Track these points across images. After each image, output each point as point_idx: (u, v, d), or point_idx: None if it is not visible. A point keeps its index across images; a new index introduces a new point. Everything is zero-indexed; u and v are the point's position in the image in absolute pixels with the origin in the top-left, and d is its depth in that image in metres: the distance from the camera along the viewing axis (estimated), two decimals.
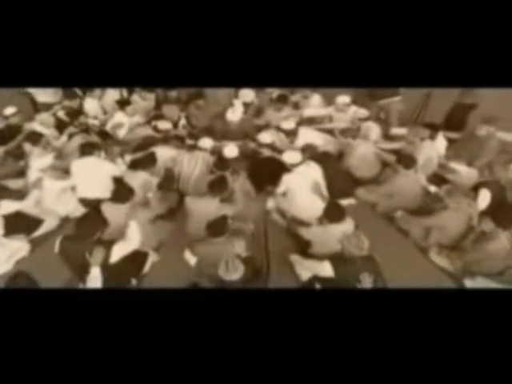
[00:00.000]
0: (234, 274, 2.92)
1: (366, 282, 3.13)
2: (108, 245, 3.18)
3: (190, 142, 4.97)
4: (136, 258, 3.58)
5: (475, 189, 4.11)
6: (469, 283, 3.58)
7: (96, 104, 5.79)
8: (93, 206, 3.80)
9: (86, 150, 4.24)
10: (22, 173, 4.51)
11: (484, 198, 4.00)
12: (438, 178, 4.58)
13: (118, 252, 3.23)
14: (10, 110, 5.18)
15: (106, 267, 3.10)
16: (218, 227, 3.31)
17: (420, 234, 4.05)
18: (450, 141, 5.11)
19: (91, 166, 4.20)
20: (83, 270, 3.07)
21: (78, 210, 4.20)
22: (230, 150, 4.48)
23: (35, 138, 4.60)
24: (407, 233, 4.15)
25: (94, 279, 3.00)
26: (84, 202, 4.17)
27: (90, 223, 3.24)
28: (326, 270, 3.24)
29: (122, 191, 3.69)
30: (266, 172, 4.49)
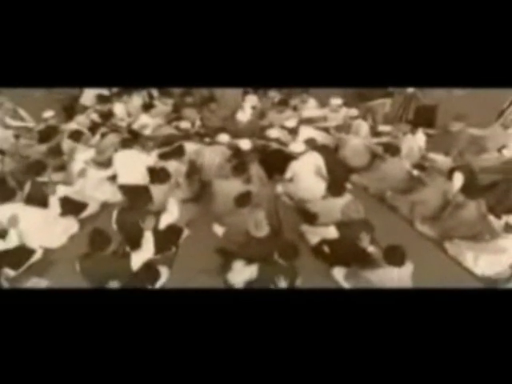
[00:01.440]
0: (261, 231, 3.64)
1: (365, 240, 3.87)
2: (156, 215, 3.88)
3: (208, 138, 5.71)
4: (173, 231, 4.26)
5: (450, 172, 4.90)
6: (448, 245, 4.34)
7: (123, 108, 6.53)
8: (137, 188, 4.46)
9: (125, 144, 4.97)
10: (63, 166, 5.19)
11: (458, 179, 4.77)
12: (419, 165, 5.37)
13: (164, 220, 3.94)
14: (48, 113, 5.89)
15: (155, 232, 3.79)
16: (243, 200, 4.02)
17: (406, 209, 4.83)
18: (428, 135, 5.94)
19: (129, 157, 4.91)
20: (137, 235, 3.72)
21: (116, 196, 4.91)
22: (244, 144, 5.22)
23: (76, 136, 5.30)
24: (396, 209, 4.92)
25: (148, 241, 3.67)
26: (123, 187, 4.84)
27: (140, 198, 3.95)
28: (332, 232, 3.99)
29: (161, 175, 4.39)
30: (275, 161, 5.24)
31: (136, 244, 3.63)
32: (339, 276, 3.88)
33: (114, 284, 3.29)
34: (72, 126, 5.77)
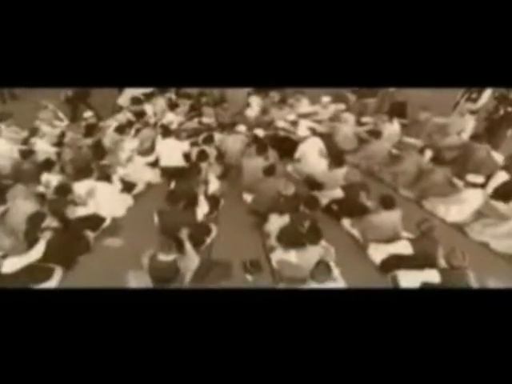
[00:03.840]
0: (289, 191, 4.76)
1: (364, 197, 5.05)
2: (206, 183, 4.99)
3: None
4: (211, 200, 5.31)
5: (421, 150, 6.18)
6: (424, 202, 5.59)
7: (151, 107, 7.56)
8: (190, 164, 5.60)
9: (163, 135, 6.04)
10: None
11: (427, 154, 6.06)
12: (397, 145, 6.64)
13: (212, 187, 5.05)
14: (88, 114, 6.90)
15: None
16: (270, 170, 5.13)
17: (390, 179, 6.06)
18: (402, 124, 7.24)
19: (167, 145, 5.95)
20: (194, 199, 4.78)
21: (157, 177, 5.96)
22: (259, 132, 6.36)
23: (120, 130, 6.31)
24: (382, 179, 6.14)
25: (202, 202, 4.75)
26: (165, 169, 5.89)
27: (192, 172, 5.05)
28: (338, 193, 5.18)
29: (202, 156, 5.47)
30: (284, 145, 6.41)
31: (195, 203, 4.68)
32: (347, 224, 5.05)
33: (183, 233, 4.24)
34: (111, 122, 6.80)
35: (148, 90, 8.03)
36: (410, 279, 4.05)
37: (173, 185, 5.03)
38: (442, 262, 4.02)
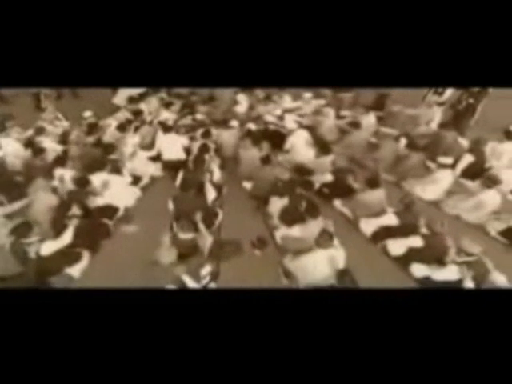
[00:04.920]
0: (286, 176, 5.32)
1: (351, 179, 5.67)
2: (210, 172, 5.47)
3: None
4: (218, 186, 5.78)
5: (396, 138, 6.86)
6: (403, 184, 6.26)
7: (146, 106, 7.94)
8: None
9: (168, 129, 6.46)
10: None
11: (402, 141, 6.74)
12: (375, 134, 7.32)
13: (216, 176, 5.54)
14: (87, 113, 7.21)
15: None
16: (267, 159, 5.66)
17: (372, 164, 6.71)
18: (378, 116, 7.94)
19: (168, 140, 6.38)
20: (202, 187, 5.26)
21: (158, 171, 6.38)
22: (251, 126, 6.88)
23: (121, 128, 6.69)
24: (365, 165, 6.77)
25: (209, 189, 5.24)
26: (166, 162, 6.32)
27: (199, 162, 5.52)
28: (328, 178, 5.78)
29: (204, 149, 5.94)
30: (273, 138, 6.95)
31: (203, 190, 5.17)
32: (338, 204, 5.65)
33: (197, 216, 4.72)
34: (111, 121, 7.17)
35: (138, 91, 8.48)
36: (397, 246, 4.70)
37: (181, 174, 5.49)
38: (424, 230, 4.68)
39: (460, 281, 3.97)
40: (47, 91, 8.31)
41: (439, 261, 4.27)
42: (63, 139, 6.81)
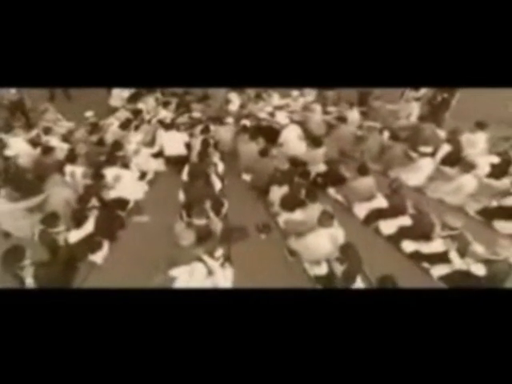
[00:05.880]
0: (284, 166, 5.77)
1: (343, 171, 6.18)
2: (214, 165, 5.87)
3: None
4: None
5: (380, 130, 7.41)
6: (389, 173, 6.79)
7: (144, 106, 8.26)
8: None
9: (168, 127, 6.81)
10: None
11: (385, 134, 7.29)
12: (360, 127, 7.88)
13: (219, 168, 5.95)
14: (89, 113, 7.50)
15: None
16: (265, 152, 6.10)
17: (359, 156, 7.23)
18: (362, 112, 8.50)
19: (169, 137, 6.73)
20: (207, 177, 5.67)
21: (161, 166, 6.73)
22: (246, 122, 7.31)
23: (124, 125, 7.01)
24: (352, 156, 7.29)
25: (216, 180, 5.65)
26: (169, 158, 6.68)
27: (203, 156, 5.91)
28: (322, 168, 6.26)
29: (206, 143, 6.33)
30: (267, 132, 7.39)
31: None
32: (332, 192, 6.13)
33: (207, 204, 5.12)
34: (112, 120, 7.48)
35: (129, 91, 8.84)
36: (388, 226, 5.22)
37: (187, 168, 5.87)
38: (411, 210, 5.22)
39: (446, 252, 4.52)
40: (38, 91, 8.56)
41: (426, 236, 4.82)
42: (68, 138, 7.09)
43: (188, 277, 3.98)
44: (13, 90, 7.65)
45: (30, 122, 7.51)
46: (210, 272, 4.12)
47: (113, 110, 8.32)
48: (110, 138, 6.94)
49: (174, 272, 4.03)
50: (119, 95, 8.69)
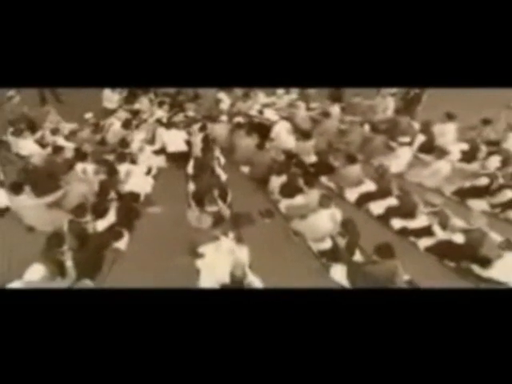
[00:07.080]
0: (280, 157, 6.32)
1: (333, 160, 6.79)
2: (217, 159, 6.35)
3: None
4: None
5: (361, 124, 8.07)
6: (372, 161, 7.45)
7: (140, 106, 8.64)
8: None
9: (168, 125, 7.23)
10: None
11: (366, 127, 7.96)
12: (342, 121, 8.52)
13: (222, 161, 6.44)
14: (88, 115, 7.81)
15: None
16: (261, 145, 6.63)
17: (345, 148, 7.85)
18: (342, 108, 9.16)
19: (169, 135, 7.16)
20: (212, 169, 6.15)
21: (163, 162, 7.15)
22: (239, 119, 7.82)
23: (126, 124, 7.37)
24: (339, 149, 7.90)
25: (221, 172, 6.14)
26: (170, 154, 7.10)
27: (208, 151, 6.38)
28: (313, 159, 6.85)
29: (207, 140, 6.79)
30: (260, 128, 7.92)
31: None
32: (324, 180, 6.73)
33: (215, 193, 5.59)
34: (113, 120, 7.82)
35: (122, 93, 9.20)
36: (377, 207, 5.86)
37: (192, 162, 6.34)
38: (397, 192, 5.88)
39: (429, 226, 5.19)
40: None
41: (411, 214, 5.48)
42: (73, 138, 7.41)
43: (214, 252, 4.46)
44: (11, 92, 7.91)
45: (34, 125, 7.71)
46: (231, 250, 4.60)
47: (108, 112, 8.65)
48: (113, 137, 7.32)
49: (201, 249, 4.50)
50: (111, 97, 8.99)
